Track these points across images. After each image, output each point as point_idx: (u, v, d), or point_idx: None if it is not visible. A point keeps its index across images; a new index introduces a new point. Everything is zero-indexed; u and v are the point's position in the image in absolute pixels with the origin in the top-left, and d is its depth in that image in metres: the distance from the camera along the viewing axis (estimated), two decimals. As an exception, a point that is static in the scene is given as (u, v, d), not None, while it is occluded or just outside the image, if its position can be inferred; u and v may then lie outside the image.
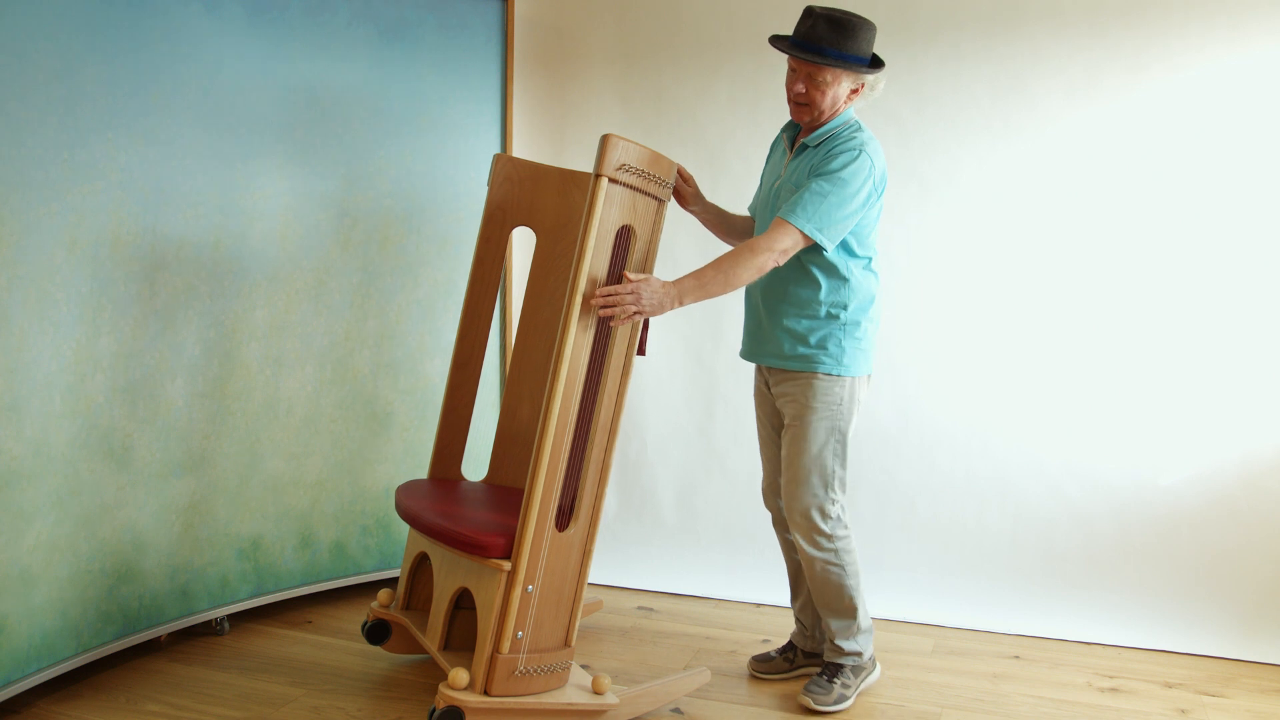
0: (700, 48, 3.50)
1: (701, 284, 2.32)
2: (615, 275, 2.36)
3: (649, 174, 2.35)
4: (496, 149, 3.33)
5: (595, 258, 2.26)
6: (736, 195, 3.24)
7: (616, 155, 2.25)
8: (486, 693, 2.25)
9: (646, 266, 2.42)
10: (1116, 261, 3.14)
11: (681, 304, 2.33)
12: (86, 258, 2.48)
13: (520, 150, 3.48)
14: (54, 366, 2.42)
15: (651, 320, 2.47)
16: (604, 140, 2.24)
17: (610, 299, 2.25)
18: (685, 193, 2.60)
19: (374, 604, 2.73)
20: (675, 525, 3.61)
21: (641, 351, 2.44)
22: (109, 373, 2.57)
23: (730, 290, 2.36)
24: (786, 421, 2.52)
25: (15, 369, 2.33)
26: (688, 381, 3.60)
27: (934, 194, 3.25)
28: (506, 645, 2.26)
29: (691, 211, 2.66)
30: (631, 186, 2.31)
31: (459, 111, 3.26)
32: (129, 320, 2.61)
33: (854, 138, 2.39)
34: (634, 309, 2.27)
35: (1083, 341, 3.18)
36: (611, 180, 2.26)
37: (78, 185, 2.44)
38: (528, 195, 2.84)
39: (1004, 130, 3.21)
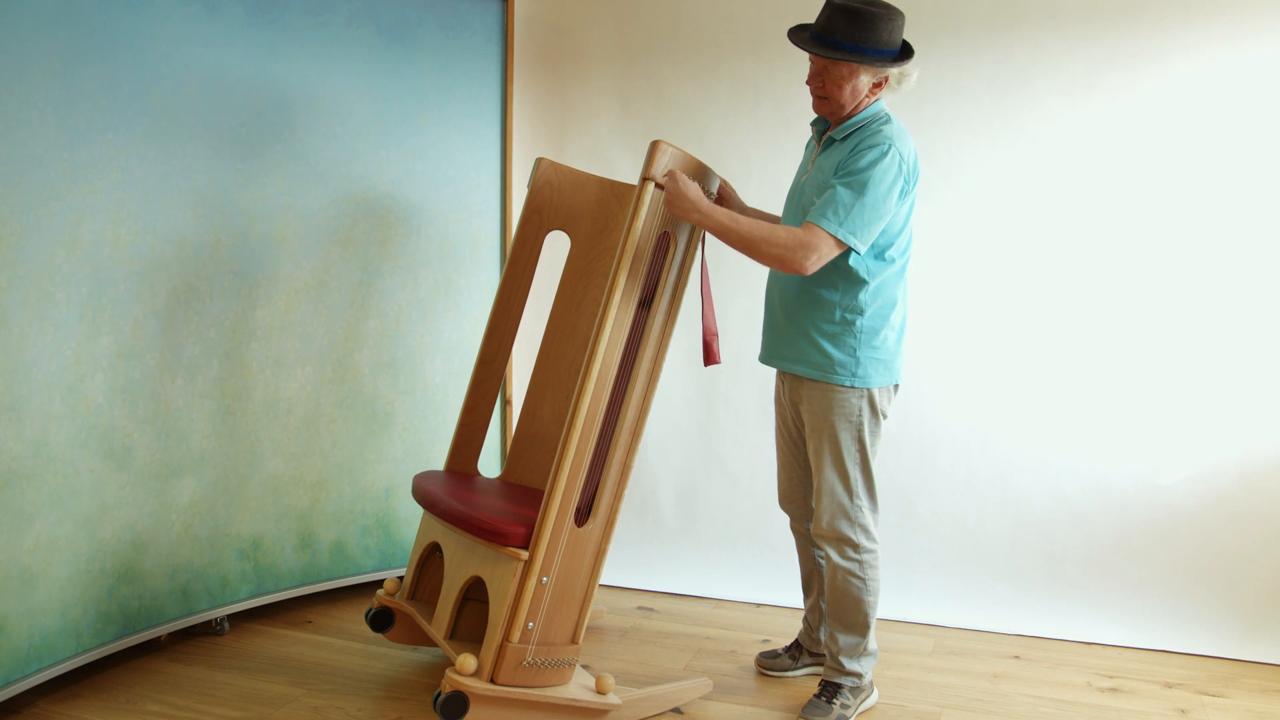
0: (700, 48, 3.50)
1: (726, 227, 2.26)
2: (653, 281, 2.37)
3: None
4: (496, 149, 3.33)
5: (635, 261, 2.28)
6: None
7: (664, 161, 2.27)
8: (493, 681, 2.26)
9: (682, 276, 2.43)
10: (1116, 262, 3.14)
11: (699, 224, 2.28)
12: (86, 258, 2.48)
13: (520, 150, 3.48)
14: (54, 366, 2.42)
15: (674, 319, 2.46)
16: (653, 146, 2.26)
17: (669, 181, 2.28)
18: (727, 201, 2.58)
19: (380, 591, 2.74)
20: (675, 525, 3.61)
21: (715, 359, 2.43)
22: (109, 373, 2.56)
23: (739, 250, 2.29)
24: (806, 431, 2.48)
25: (15, 369, 2.32)
26: (687, 381, 3.60)
27: (934, 194, 3.25)
28: (517, 634, 2.26)
29: None
30: None
31: (459, 111, 3.25)
32: (129, 320, 2.60)
33: (880, 131, 2.29)
34: (671, 197, 2.27)
35: (1083, 341, 3.18)
36: (658, 185, 2.28)
37: (78, 185, 2.44)
38: (566, 201, 2.87)
39: (1004, 130, 3.21)
